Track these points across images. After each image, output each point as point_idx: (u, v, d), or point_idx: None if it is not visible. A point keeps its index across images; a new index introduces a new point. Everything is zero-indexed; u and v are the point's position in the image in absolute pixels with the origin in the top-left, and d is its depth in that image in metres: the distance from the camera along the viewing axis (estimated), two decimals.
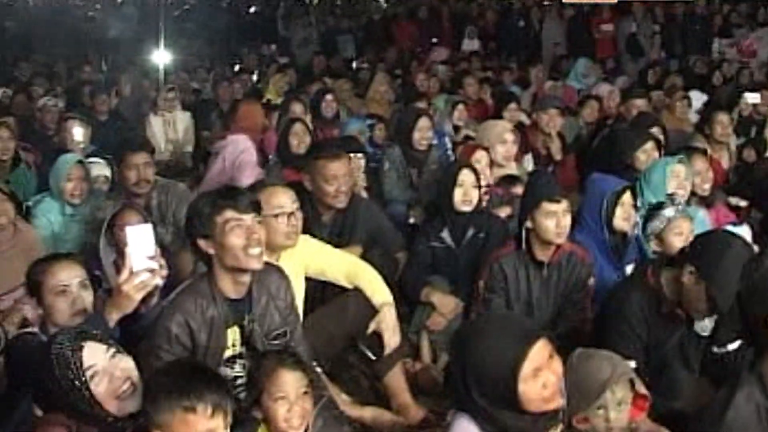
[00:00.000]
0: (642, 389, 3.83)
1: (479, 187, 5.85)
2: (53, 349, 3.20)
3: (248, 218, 3.91)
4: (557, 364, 3.19)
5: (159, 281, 3.69)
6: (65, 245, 6.20)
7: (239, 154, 7.75)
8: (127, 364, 3.28)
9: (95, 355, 3.22)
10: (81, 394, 3.14)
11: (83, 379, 3.16)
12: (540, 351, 3.12)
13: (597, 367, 3.76)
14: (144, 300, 3.82)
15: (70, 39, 17.74)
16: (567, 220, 5.10)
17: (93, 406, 3.16)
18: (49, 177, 6.60)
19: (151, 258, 3.61)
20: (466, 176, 5.76)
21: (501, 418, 3.15)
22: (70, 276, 4.17)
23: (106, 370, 3.21)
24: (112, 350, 3.27)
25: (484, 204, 6.10)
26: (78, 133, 7.93)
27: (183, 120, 10.43)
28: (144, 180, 6.28)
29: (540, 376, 3.11)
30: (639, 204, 5.64)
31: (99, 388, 3.18)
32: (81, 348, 3.20)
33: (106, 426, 3.14)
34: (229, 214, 3.90)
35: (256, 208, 3.98)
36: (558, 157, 8.43)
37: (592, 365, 3.77)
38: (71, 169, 6.49)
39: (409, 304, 5.65)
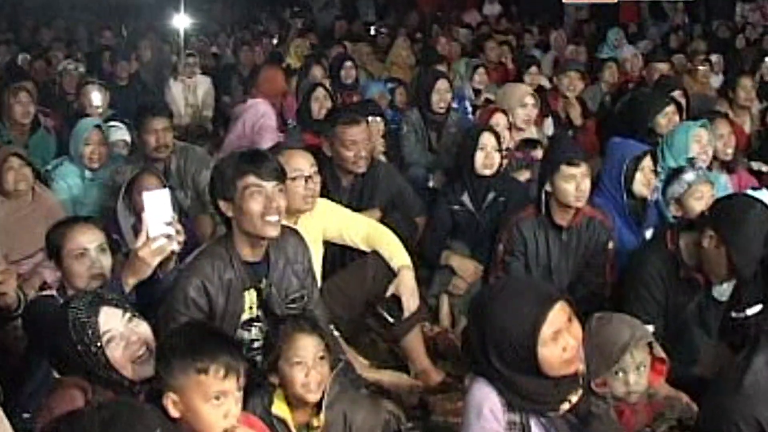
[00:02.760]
0: (660, 353, 3.82)
1: (500, 150, 5.82)
2: (69, 314, 3.20)
3: (269, 185, 3.90)
4: (576, 328, 3.17)
5: (176, 247, 3.68)
6: (84, 209, 6.25)
7: (259, 118, 7.76)
8: (143, 329, 3.28)
9: (112, 320, 3.22)
10: (97, 358, 3.14)
11: (99, 343, 3.16)
12: (559, 314, 3.10)
13: (616, 331, 3.75)
14: (161, 265, 3.82)
15: (91, 4, 17.70)
16: (586, 184, 5.06)
17: (109, 371, 3.15)
18: (69, 142, 6.62)
19: (169, 224, 3.60)
20: (487, 139, 5.74)
21: (520, 382, 3.14)
22: (88, 240, 4.17)
23: (123, 335, 3.21)
24: (128, 315, 3.27)
25: (504, 168, 6.07)
26: (96, 98, 7.93)
27: (203, 84, 10.44)
28: (163, 145, 6.29)
29: (559, 340, 3.08)
30: (659, 168, 5.59)
31: (115, 352, 3.18)
32: (97, 313, 3.20)
33: (122, 390, 3.15)
34: (251, 179, 3.89)
35: (279, 176, 3.96)
36: (578, 121, 8.39)
37: (611, 329, 3.77)
38: (90, 134, 6.51)
39: (428, 268, 5.65)
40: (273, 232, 3.92)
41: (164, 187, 5.37)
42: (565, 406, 3.18)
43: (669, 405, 3.99)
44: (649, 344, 3.79)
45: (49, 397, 3.13)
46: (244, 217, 3.91)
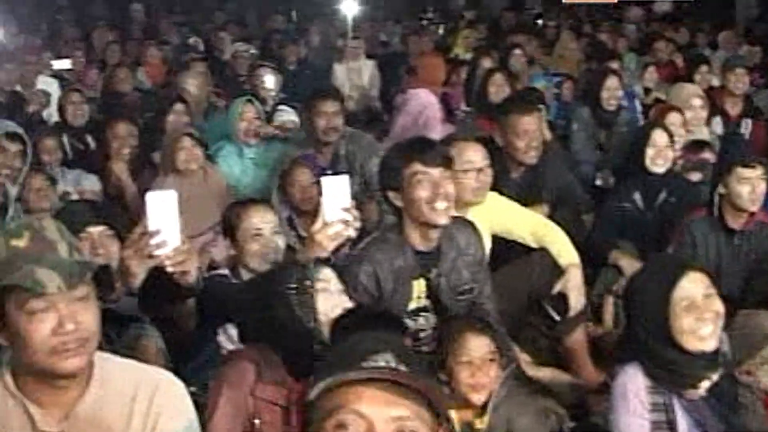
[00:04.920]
0: None
1: (672, 148, 5.70)
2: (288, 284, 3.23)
3: (435, 172, 3.91)
4: (714, 303, 3.18)
5: (352, 233, 3.69)
6: (245, 189, 6.36)
7: (423, 109, 7.76)
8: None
9: (325, 303, 3.25)
10: (311, 335, 3.17)
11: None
12: (694, 283, 3.14)
13: (762, 322, 3.72)
14: (335, 251, 3.85)
15: None
16: (762, 187, 4.95)
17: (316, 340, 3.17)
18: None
19: (346, 209, 3.63)
20: (658, 136, 5.65)
21: (658, 352, 3.17)
22: (263, 220, 4.26)
23: (327, 315, 3.23)
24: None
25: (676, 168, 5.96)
26: (269, 81, 8.06)
27: (368, 68, 10.50)
28: (332, 128, 6.30)
29: (693, 310, 3.11)
30: None
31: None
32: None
33: (303, 364, 3.16)
34: (417, 166, 3.91)
35: (446, 162, 3.97)
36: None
37: (758, 319, 3.82)
38: (243, 108, 6.62)
39: (593, 267, 5.58)
40: (441, 219, 3.93)
41: (314, 181, 5.45)
42: (705, 383, 3.19)
43: None
44: None
45: (221, 369, 3.20)
46: (412, 205, 3.94)
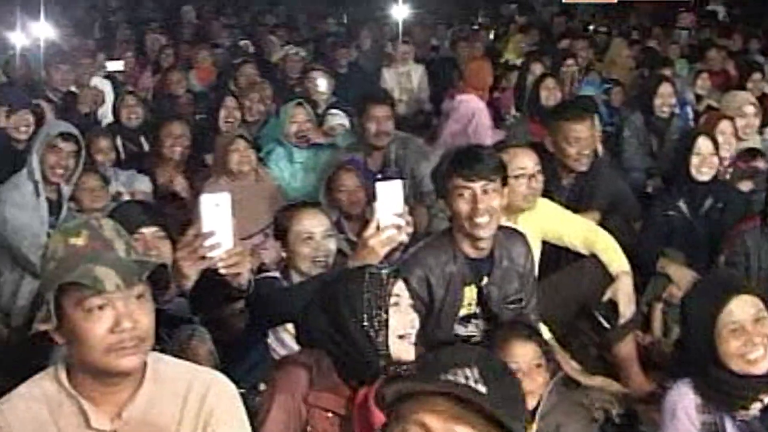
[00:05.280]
0: None
1: (718, 156, 5.65)
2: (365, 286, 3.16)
3: (476, 186, 3.92)
4: (766, 327, 3.12)
5: (404, 238, 3.68)
6: (295, 193, 6.37)
7: (471, 116, 7.73)
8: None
9: (397, 319, 3.15)
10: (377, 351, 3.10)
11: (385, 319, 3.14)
12: (743, 306, 3.09)
13: None
14: (387, 255, 3.85)
15: None
16: None
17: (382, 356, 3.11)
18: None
19: (399, 215, 3.63)
20: (703, 144, 5.58)
21: (709, 373, 3.14)
22: (315, 224, 4.27)
23: (396, 332, 3.14)
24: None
25: (727, 176, 5.90)
26: (322, 84, 8.11)
27: (417, 73, 10.47)
28: (384, 132, 6.31)
29: (741, 334, 3.07)
30: None
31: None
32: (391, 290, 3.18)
33: (361, 377, 3.13)
34: (458, 180, 3.95)
35: (489, 174, 3.97)
36: None
37: None
38: (293, 111, 6.65)
39: (642, 275, 5.54)
40: (482, 232, 3.94)
41: (361, 185, 5.46)
42: (757, 405, 3.14)
43: None
44: None
45: (274, 375, 3.17)
46: (455, 217, 3.97)
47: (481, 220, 3.91)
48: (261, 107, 7.72)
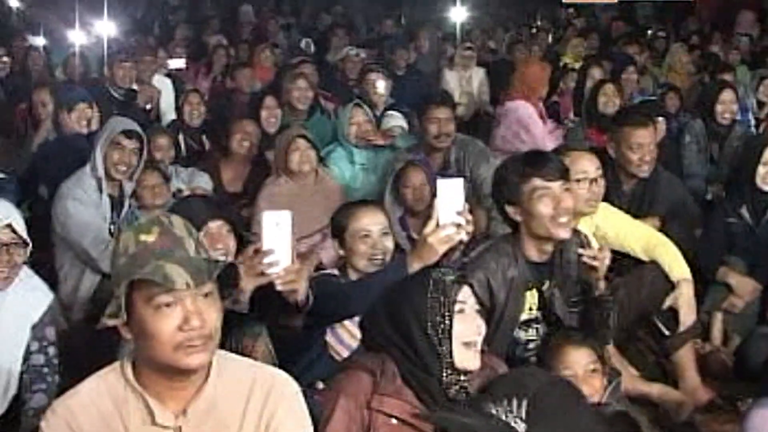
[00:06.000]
0: None
1: None
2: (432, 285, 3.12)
3: (556, 186, 3.91)
4: None
5: (464, 237, 3.67)
6: (355, 194, 6.36)
7: (520, 124, 7.64)
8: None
9: (461, 326, 3.11)
10: (439, 358, 3.06)
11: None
12: None
13: None
14: (446, 254, 3.84)
15: None
16: None
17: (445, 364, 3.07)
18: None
19: (459, 213, 3.62)
20: None
21: None
22: (372, 222, 4.26)
23: (460, 340, 3.10)
24: None
25: None
26: (381, 85, 8.10)
27: (478, 75, 10.46)
28: (444, 134, 6.31)
29: None
30: None
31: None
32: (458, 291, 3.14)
33: (422, 383, 3.07)
34: (537, 182, 3.91)
35: (564, 174, 3.97)
36: None
37: None
38: (352, 112, 6.68)
39: (702, 283, 5.49)
40: (564, 233, 3.92)
41: (427, 183, 5.46)
42: None
43: None
44: None
45: (337, 378, 3.17)
46: (533, 221, 3.94)
47: (564, 219, 3.91)
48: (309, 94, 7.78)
